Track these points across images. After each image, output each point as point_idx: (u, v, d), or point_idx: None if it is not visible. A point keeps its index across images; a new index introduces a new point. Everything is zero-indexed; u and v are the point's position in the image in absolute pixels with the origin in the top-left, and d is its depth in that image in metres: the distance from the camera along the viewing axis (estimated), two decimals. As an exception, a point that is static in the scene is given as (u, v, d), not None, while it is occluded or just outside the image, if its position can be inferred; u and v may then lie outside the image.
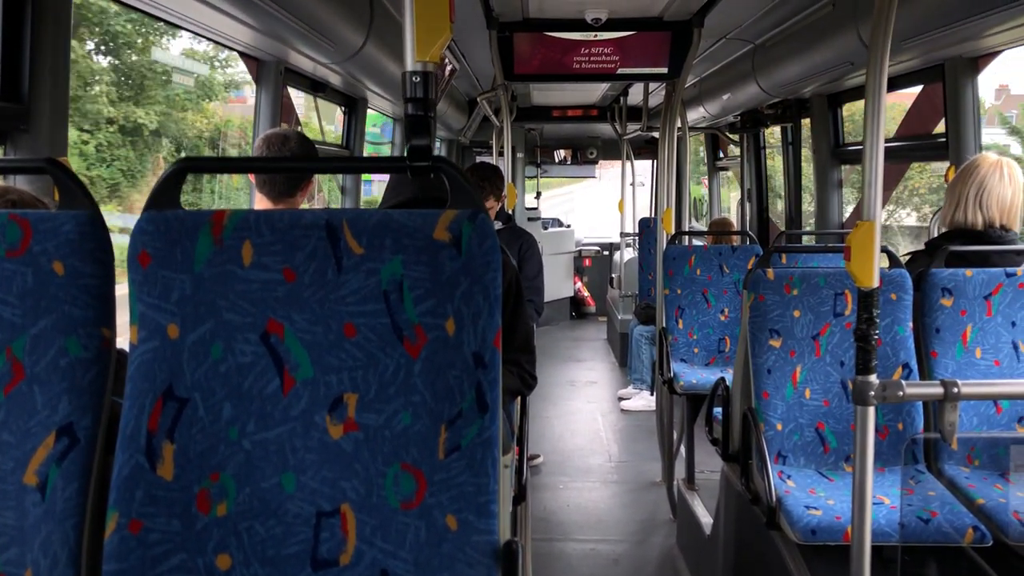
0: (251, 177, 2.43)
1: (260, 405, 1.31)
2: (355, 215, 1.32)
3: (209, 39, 3.01)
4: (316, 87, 3.99)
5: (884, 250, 2.59)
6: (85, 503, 1.31)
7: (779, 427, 2.63)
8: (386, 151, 6.22)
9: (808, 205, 5.64)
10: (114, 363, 1.36)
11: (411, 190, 2.17)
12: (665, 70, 4.27)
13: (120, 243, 1.36)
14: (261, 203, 2.39)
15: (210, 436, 1.30)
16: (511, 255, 3.80)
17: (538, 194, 10.71)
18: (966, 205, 2.59)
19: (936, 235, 2.79)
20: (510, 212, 4.77)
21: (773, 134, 6.31)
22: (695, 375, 4.15)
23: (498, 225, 4.13)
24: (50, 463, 1.31)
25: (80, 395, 1.32)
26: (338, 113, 4.69)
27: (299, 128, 4.13)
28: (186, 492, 1.29)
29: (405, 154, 1.35)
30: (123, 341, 1.37)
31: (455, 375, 1.30)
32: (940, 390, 1.76)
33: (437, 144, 8.69)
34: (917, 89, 4.07)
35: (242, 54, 3.29)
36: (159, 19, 2.69)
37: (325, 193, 4.82)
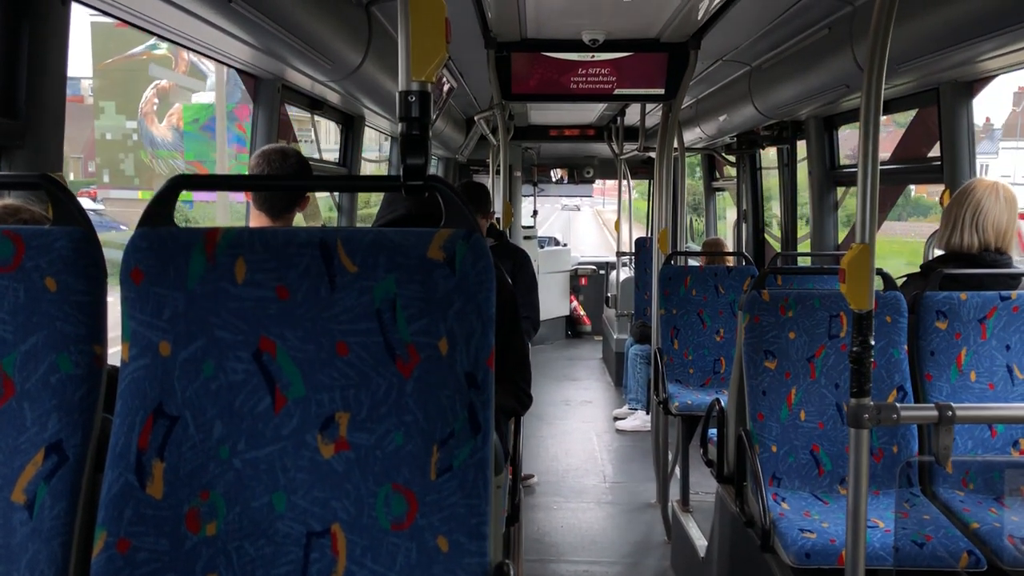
0: (247, 196, 2.42)
1: (251, 423, 1.30)
2: (349, 233, 1.32)
3: (208, 56, 3.02)
4: (314, 104, 4.00)
5: (879, 272, 2.59)
6: (73, 521, 1.29)
7: (774, 449, 2.62)
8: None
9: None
10: (105, 380, 1.35)
11: (404, 207, 2.17)
12: (662, 91, 4.29)
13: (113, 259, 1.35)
14: (258, 220, 2.38)
15: (200, 454, 1.29)
16: (503, 272, 3.80)
17: (535, 212, 10.73)
18: (962, 228, 2.60)
19: (932, 258, 2.80)
20: (505, 230, 4.77)
21: (768, 155, 6.34)
22: (690, 396, 4.14)
23: (489, 242, 4.13)
24: (39, 481, 1.30)
25: (70, 412, 1.31)
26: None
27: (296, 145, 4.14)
28: (175, 511, 1.28)
29: (400, 173, 1.35)
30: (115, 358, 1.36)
31: (447, 395, 1.29)
32: (935, 413, 1.76)
33: (434, 162, 8.70)
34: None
35: (240, 71, 3.30)
36: (159, 36, 2.70)
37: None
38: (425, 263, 1.30)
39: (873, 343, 1.79)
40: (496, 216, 4.97)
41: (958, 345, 2.58)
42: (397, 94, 1.39)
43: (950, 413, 1.74)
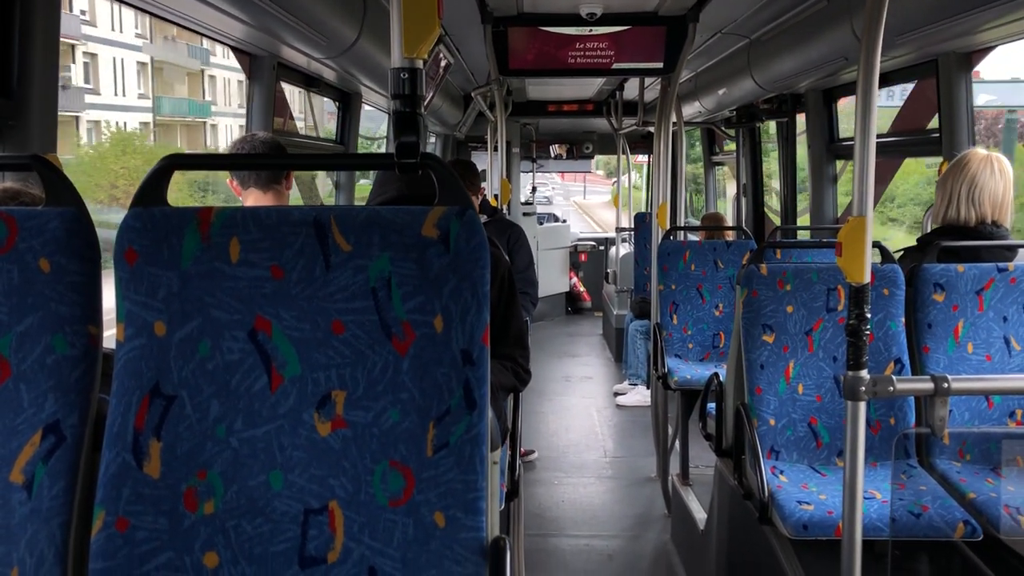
0: (231, 184, 2.43)
1: (248, 402, 1.30)
2: (343, 212, 1.32)
3: (201, 34, 3.00)
4: (309, 82, 3.98)
5: (876, 245, 2.59)
6: (72, 501, 1.31)
7: (772, 422, 2.63)
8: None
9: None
10: (101, 360, 1.36)
11: (397, 188, 2.16)
12: (660, 65, 4.26)
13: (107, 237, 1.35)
14: (251, 197, 2.39)
15: (197, 434, 1.30)
16: (500, 248, 3.79)
17: (534, 189, 10.70)
18: (958, 202, 2.58)
19: (928, 231, 2.79)
20: (503, 207, 4.76)
21: (768, 129, 6.31)
22: (689, 370, 4.15)
23: (483, 218, 4.12)
24: (36, 461, 1.30)
25: (67, 393, 1.32)
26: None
27: (293, 122, 4.12)
28: (173, 490, 1.29)
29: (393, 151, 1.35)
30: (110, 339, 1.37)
31: (443, 372, 1.30)
32: (930, 385, 1.76)
33: (432, 139, 8.66)
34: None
35: (234, 49, 3.28)
36: (153, 14, 2.68)
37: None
38: (419, 241, 1.30)
39: (870, 316, 1.79)
40: (494, 192, 4.96)
41: (955, 317, 2.58)
42: (389, 71, 1.39)
43: (945, 385, 1.75)
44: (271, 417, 1.30)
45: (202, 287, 1.30)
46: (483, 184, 4.34)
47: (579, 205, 32.98)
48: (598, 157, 10.21)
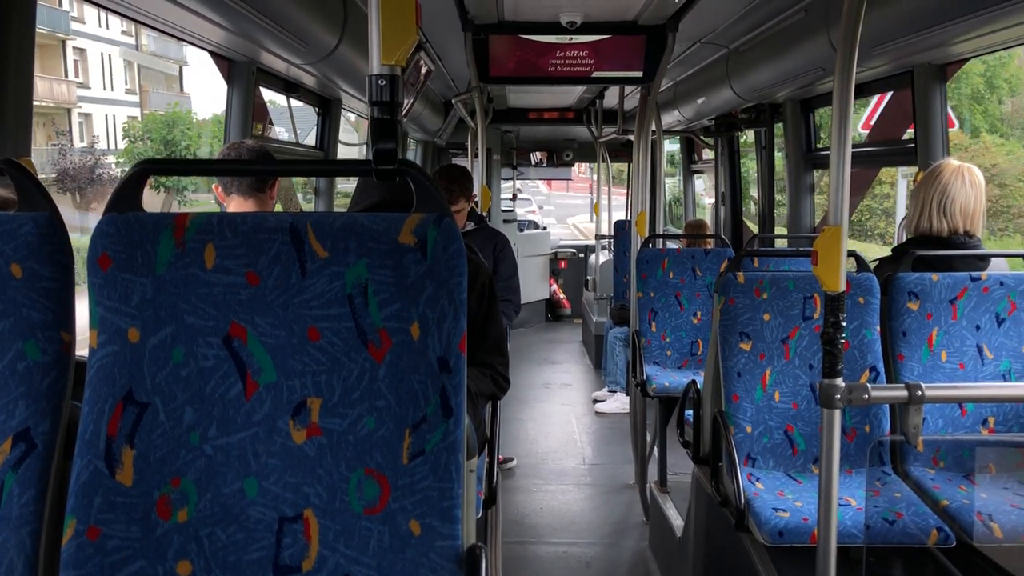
0: (216, 189, 2.41)
1: (222, 410, 1.29)
2: (319, 218, 1.31)
3: (180, 39, 2.99)
4: (289, 88, 3.96)
5: (852, 254, 2.61)
6: (42, 510, 1.29)
7: (748, 430, 2.64)
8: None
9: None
10: (73, 367, 1.34)
11: (379, 193, 2.15)
12: (640, 73, 4.28)
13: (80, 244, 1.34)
14: (233, 203, 2.38)
15: (171, 441, 1.29)
16: (485, 256, 3.77)
17: (514, 196, 10.71)
18: (930, 213, 2.61)
19: (902, 241, 2.82)
20: (484, 214, 4.76)
21: (748, 139, 6.35)
22: (667, 378, 4.17)
23: (470, 226, 4.12)
24: (6, 469, 1.29)
25: (38, 400, 1.30)
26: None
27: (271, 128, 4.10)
28: (146, 498, 1.27)
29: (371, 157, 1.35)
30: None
31: (420, 380, 1.30)
32: (904, 393, 1.78)
33: (413, 145, 8.65)
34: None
35: (213, 54, 3.26)
36: (129, 18, 2.66)
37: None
38: (396, 248, 1.30)
39: (846, 324, 1.81)
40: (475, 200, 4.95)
41: (929, 325, 2.61)
42: (367, 78, 1.38)
43: (919, 393, 1.77)
44: (246, 424, 1.30)
45: (176, 293, 1.29)
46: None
47: (586, 235, 21.19)
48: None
